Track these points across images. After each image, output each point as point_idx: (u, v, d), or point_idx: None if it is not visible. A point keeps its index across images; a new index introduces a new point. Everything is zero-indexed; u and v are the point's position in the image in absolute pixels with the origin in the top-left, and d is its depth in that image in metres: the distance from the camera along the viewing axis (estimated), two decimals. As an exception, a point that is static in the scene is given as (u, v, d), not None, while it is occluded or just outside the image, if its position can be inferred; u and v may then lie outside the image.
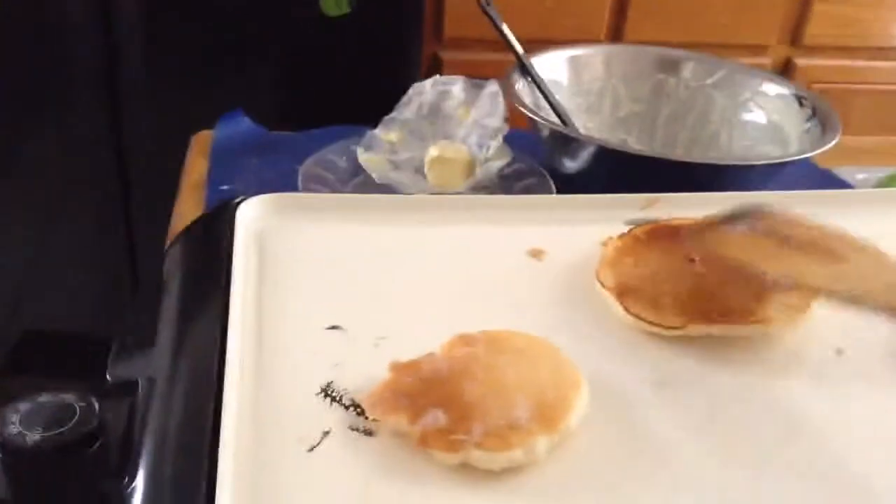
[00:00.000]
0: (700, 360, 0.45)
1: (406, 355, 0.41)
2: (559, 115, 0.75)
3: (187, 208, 0.73)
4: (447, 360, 0.41)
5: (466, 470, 0.37)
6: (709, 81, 0.80)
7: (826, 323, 0.47)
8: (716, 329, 0.45)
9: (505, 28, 0.75)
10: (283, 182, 0.69)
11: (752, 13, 1.45)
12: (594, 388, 0.41)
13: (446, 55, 1.41)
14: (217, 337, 0.43)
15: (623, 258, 0.50)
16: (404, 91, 0.75)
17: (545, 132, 0.70)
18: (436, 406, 0.38)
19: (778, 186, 0.66)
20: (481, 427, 0.37)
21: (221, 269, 0.48)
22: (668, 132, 0.81)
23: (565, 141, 0.70)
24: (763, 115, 0.77)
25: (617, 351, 0.45)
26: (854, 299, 0.40)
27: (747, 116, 0.78)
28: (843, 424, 0.42)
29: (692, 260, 0.49)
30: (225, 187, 0.74)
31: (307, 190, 0.67)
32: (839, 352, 0.46)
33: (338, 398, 0.41)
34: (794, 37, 1.50)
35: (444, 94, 0.74)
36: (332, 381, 0.41)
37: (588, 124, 0.79)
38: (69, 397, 0.40)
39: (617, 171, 0.66)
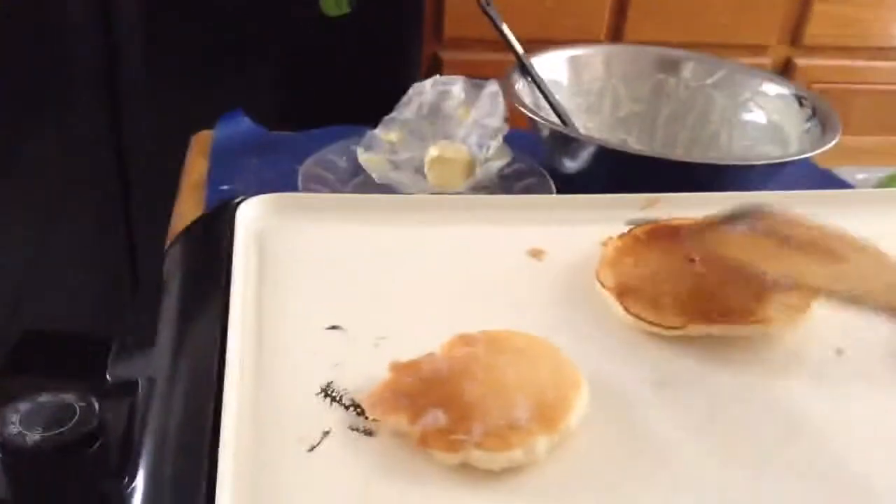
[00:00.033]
0: (700, 360, 0.45)
1: (406, 355, 0.41)
2: (559, 115, 0.75)
3: (187, 208, 0.73)
4: (447, 360, 0.41)
5: (466, 470, 0.37)
6: (709, 81, 0.80)
7: (826, 323, 0.47)
8: (716, 329, 0.45)
9: (505, 28, 0.75)
10: (283, 182, 0.69)
11: (752, 13, 1.46)
12: (594, 388, 0.41)
13: (446, 55, 1.41)
14: (217, 337, 0.43)
15: (623, 258, 0.50)
16: (404, 91, 0.75)
17: (545, 132, 0.70)
18: (436, 406, 0.38)
19: (778, 186, 0.66)
20: (481, 427, 0.37)
21: (221, 268, 0.48)
22: (668, 132, 0.81)
23: (565, 141, 0.70)
24: (763, 115, 0.77)
25: (617, 351, 0.45)
26: (854, 299, 0.40)
27: (747, 116, 0.78)
28: (843, 424, 0.42)
29: (692, 260, 0.49)
30: (225, 187, 0.74)
31: (307, 190, 0.67)
32: (839, 352, 0.46)
33: (338, 398, 0.41)
34: (794, 37, 1.50)
35: (444, 94, 0.74)
36: (332, 381, 0.41)
37: (588, 124, 0.79)
38: (69, 397, 0.40)
39: (617, 171, 0.66)
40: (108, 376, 0.44)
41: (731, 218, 0.47)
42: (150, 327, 0.47)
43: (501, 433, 0.37)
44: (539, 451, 0.37)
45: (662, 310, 0.46)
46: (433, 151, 0.70)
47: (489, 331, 0.43)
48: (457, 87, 0.74)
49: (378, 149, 0.72)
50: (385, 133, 0.73)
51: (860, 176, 0.86)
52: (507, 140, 0.72)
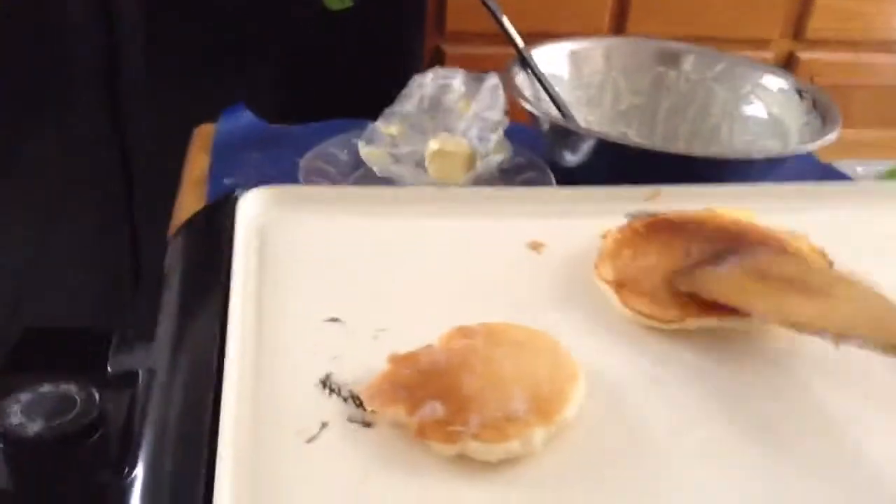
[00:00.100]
0: (698, 354, 0.45)
1: (405, 347, 0.41)
2: (559, 109, 0.75)
3: (189, 202, 0.73)
4: (445, 352, 0.41)
5: (464, 461, 0.37)
6: (709, 74, 0.80)
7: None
8: (714, 322, 0.45)
9: (505, 20, 0.75)
10: (285, 175, 0.69)
11: (754, 7, 1.45)
12: (592, 381, 0.41)
13: (449, 49, 1.41)
14: (217, 329, 0.43)
15: (622, 251, 0.50)
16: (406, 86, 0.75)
17: (545, 125, 0.70)
18: (433, 398, 0.38)
19: (778, 180, 0.66)
20: (478, 418, 0.37)
21: (222, 261, 0.48)
22: (669, 125, 0.81)
23: (566, 134, 0.70)
24: (763, 109, 0.77)
25: (615, 343, 0.46)
26: (841, 335, 0.40)
27: (748, 110, 0.78)
28: (842, 417, 0.42)
29: (690, 253, 0.49)
30: (227, 181, 0.74)
31: (308, 183, 0.68)
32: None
33: (337, 390, 0.41)
34: (797, 31, 1.49)
35: (444, 88, 0.74)
36: (331, 374, 0.42)
37: (588, 117, 0.79)
38: (70, 388, 0.40)
39: (617, 165, 0.66)
40: (108, 368, 0.44)
41: (717, 256, 0.47)
42: (151, 320, 0.47)
43: (498, 425, 0.37)
44: (536, 443, 0.37)
45: (660, 303, 0.46)
46: (433, 145, 0.70)
47: (487, 323, 0.43)
48: (457, 80, 0.74)
49: (379, 142, 0.72)
50: (386, 126, 0.73)
51: (860, 169, 0.86)
52: (508, 133, 0.72)
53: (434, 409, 0.38)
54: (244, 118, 0.84)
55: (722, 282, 0.46)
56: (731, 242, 0.49)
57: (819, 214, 0.56)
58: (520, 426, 0.37)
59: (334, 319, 0.46)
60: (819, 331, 0.41)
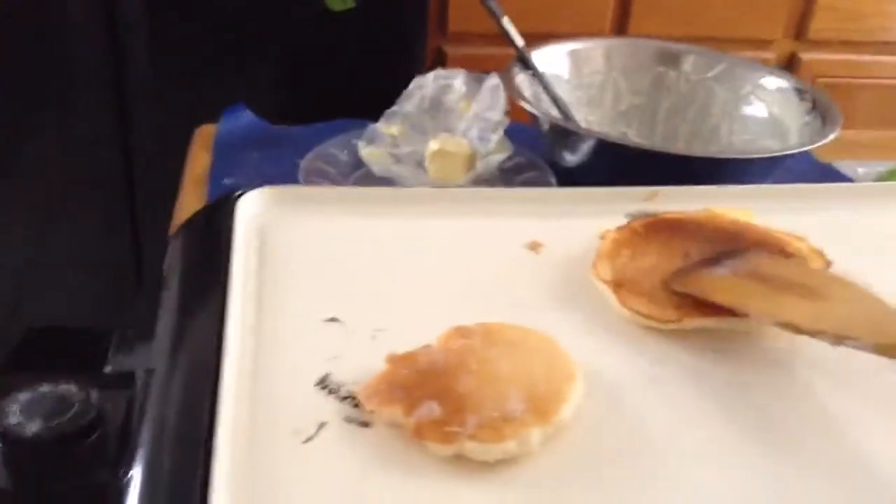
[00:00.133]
0: (695, 354, 0.45)
1: (403, 347, 0.41)
2: (560, 109, 0.75)
3: (190, 202, 0.73)
4: (443, 352, 0.41)
5: (461, 461, 0.37)
6: (709, 75, 0.80)
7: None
8: (712, 322, 0.45)
9: (505, 21, 0.75)
10: (285, 176, 0.69)
11: (756, 8, 1.45)
12: (589, 381, 0.41)
13: (450, 50, 1.41)
14: (215, 328, 0.43)
15: (620, 251, 0.50)
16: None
17: (546, 126, 0.70)
18: (431, 398, 0.38)
19: (778, 180, 0.66)
20: (475, 419, 0.37)
21: (221, 261, 0.48)
22: (669, 126, 0.81)
23: (566, 134, 0.70)
24: (763, 109, 0.77)
25: (613, 343, 0.45)
26: (839, 337, 0.40)
27: (748, 110, 0.78)
28: (841, 416, 0.42)
29: (689, 254, 0.49)
30: (227, 181, 0.74)
31: (308, 184, 0.68)
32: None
33: (334, 390, 0.41)
34: (799, 31, 1.49)
35: (445, 88, 0.74)
36: (329, 374, 0.42)
37: (589, 118, 0.79)
38: (69, 388, 0.40)
39: (617, 165, 0.66)
40: (107, 368, 0.44)
41: (716, 257, 0.47)
42: (152, 320, 0.47)
43: (495, 425, 0.37)
44: (533, 443, 0.37)
45: (659, 303, 0.46)
46: (434, 145, 0.70)
47: (485, 323, 0.43)
48: (458, 80, 0.74)
49: (379, 142, 0.72)
50: (386, 127, 0.73)
51: (861, 170, 0.86)
52: (508, 133, 0.72)
53: (431, 409, 0.38)
54: (245, 118, 0.84)
55: (720, 283, 0.46)
56: (729, 243, 0.50)
57: (818, 215, 0.56)
58: (517, 426, 0.37)
59: (333, 319, 0.46)
60: (816, 332, 0.41)
